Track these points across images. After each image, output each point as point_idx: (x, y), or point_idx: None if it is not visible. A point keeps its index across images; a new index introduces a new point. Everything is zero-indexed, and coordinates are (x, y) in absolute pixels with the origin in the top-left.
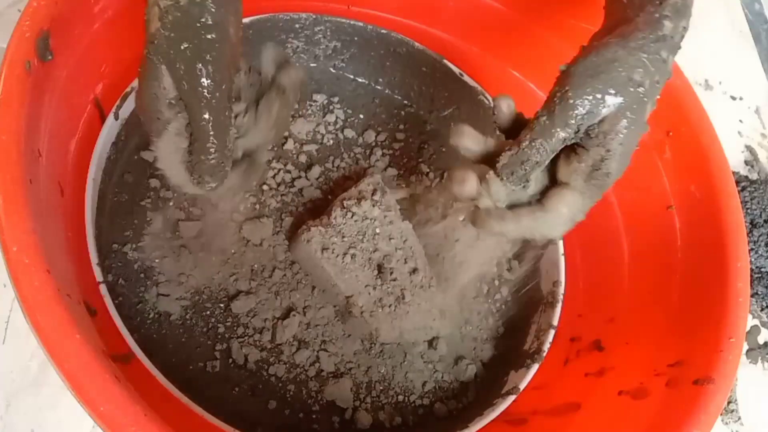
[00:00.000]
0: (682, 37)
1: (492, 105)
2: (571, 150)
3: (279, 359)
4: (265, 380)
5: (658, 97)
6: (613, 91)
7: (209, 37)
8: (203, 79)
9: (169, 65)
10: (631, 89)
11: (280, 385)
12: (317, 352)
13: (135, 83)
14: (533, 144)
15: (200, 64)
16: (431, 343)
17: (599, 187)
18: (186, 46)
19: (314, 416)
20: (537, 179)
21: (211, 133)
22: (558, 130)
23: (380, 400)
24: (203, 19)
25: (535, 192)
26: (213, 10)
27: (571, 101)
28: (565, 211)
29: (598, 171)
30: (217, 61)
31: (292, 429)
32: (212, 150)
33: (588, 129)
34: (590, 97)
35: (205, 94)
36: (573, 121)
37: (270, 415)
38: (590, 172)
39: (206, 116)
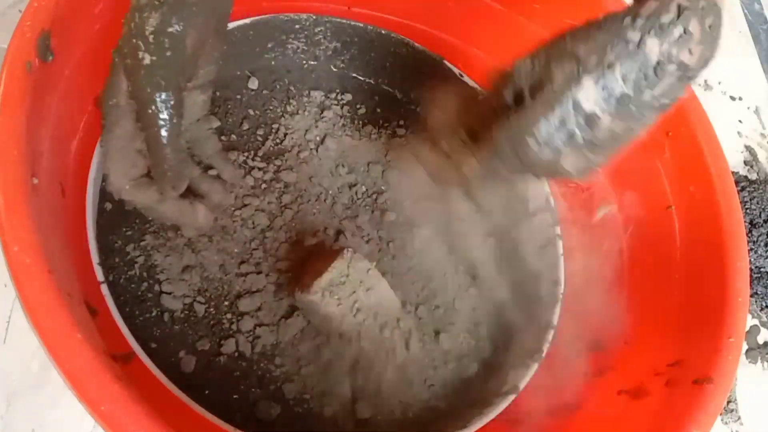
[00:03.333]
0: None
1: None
2: None
3: (282, 358)
4: (267, 379)
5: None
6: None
7: (164, 48)
8: (156, 94)
9: (125, 69)
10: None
11: (283, 384)
12: (320, 350)
13: None
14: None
15: (154, 78)
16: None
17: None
18: (142, 55)
19: (317, 413)
20: None
21: (164, 148)
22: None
23: (380, 397)
24: (162, 29)
25: None
26: (172, 21)
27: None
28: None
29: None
30: (168, 75)
31: (295, 426)
32: (167, 164)
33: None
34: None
35: (155, 108)
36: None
37: (271, 414)
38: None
39: (153, 131)
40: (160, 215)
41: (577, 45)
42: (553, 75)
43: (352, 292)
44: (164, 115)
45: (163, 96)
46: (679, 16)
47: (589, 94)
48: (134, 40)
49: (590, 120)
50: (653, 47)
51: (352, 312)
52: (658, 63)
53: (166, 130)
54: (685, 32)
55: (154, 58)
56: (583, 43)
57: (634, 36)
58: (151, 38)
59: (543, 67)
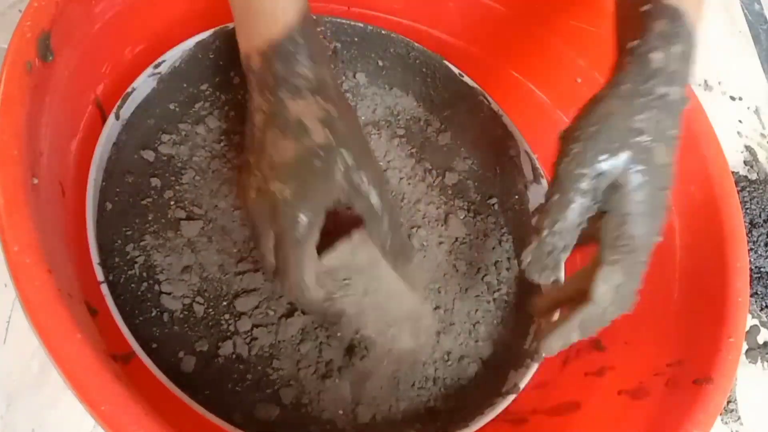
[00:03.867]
0: (685, 61)
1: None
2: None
3: (282, 358)
4: (267, 379)
5: (675, 134)
6: (617, 145)
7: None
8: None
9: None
10: (635, 139)
11: (283, 383)
12: (320, 349)
13: (136, 83)
14: (553, 230)
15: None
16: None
17: (630, 253)
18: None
19: (317, 413)
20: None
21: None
22: (571, 203)
23: (381, 397)
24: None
25: None
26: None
27: (576, 170)
28: (606, 289)
29: (621, 236)
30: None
31: (294, 427)
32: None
33: (607, 194)
34: (594, 159)
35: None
36: (584, 188)
37: (270, 415)
38: (614, 240)
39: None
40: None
41: None
42: None
43: (352, 277)
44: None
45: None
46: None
47: None
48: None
49: None
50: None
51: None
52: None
53: (382, 199)
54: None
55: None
56: None
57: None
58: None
59: None
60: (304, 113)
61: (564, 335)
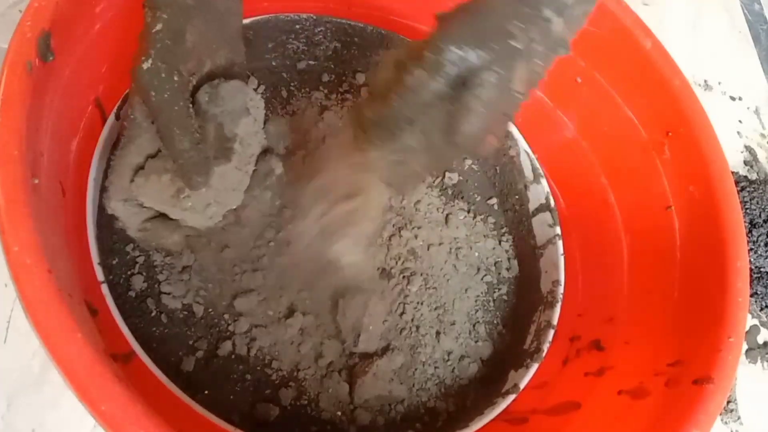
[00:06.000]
0: (580, 6)
1: None
2: None
3: (282, 358)
4: (267, 379)
5: (542, 65)
6: (482, 39)
7: (163, 42)
8: (156, 79)
9: (133, 75)
10: (504, 41)
11: (283, 383)
12: (320, 350)
13: None
14: (403, 98)
15: (153, 65)
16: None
17: (451, 142)
18: (144, 54)
19: (316, 414)
20: None
21: (176, 131)
22: (429, 80)
23: (380, 397)
24: (163, 29)
25: None
26: (165, 17)
27: (442, 51)
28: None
29: (451, 126)
30: (169, 62)
31: (293, 427)
32: (184, 145)
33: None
34: (460, 46)
35: (157, 93)
36: (443, 71)
37: (270, 416)
38: (445, 127)
39: (162, 116)
40: (138, 234)
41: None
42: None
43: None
44: (169, 98)
45: (164, 77)
46: None
47: None
48: (142, 45)
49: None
50: None
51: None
52: None
53: (175, 112)
54: None
55: (151, 51)
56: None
57: None
58: (155, 37)
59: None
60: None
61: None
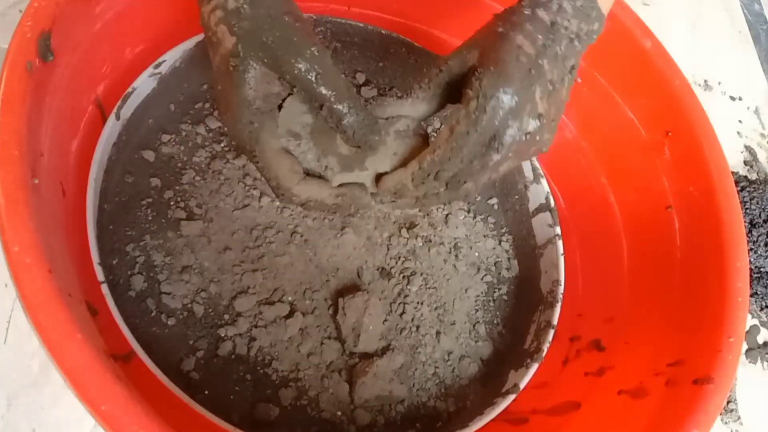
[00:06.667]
0: (581, 38)
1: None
2: None
3: (282, 358)
4: (267, 379)
5: (560, 90)
6: (523, 77)
7: (284, 21)
8: (303, 56)
9: (266, 63)
10: (542, 77)
11: (283, 383)
12: (320, 350)
13: (137, 84)
14: (455, 151)
15: (293, 47)
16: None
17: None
18: (271, 39)
19: (316, 414)
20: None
21: (341, 92)
22: (478, 138)
23: (380, 397)
24: (271, 11)
25: None
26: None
27: (490, 109)
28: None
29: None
30: (304, 36)
31: (293, 427)
32: (349, 106)
33: None
34: (501, 94)
35: (313, 67)
36: (493, 125)
37: (270, 416)
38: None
39: (326, 86)
40: (338, 200)
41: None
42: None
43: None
44: (329, 67)
45: (317, 50)
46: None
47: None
48: (257, 29)
49: None
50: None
51: None
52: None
53: (340, 79)
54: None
55: (288, 29)
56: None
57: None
58: (269, 20)
59: None
60: (211, 19)
61: (396, 177)
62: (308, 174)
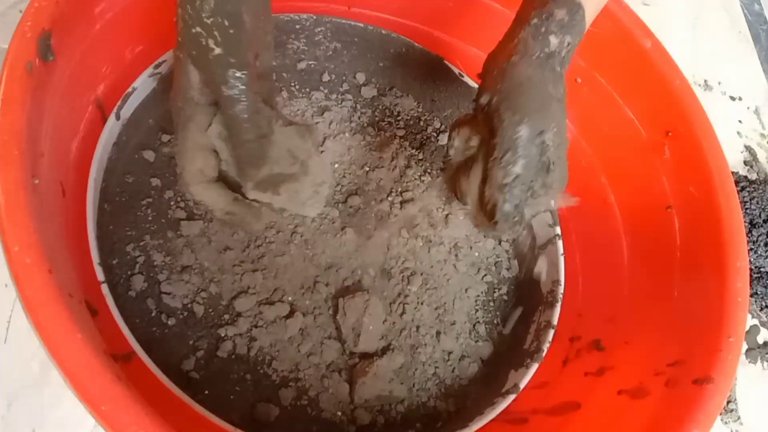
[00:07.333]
0: (570, 52)
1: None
2: None
3: (282, 358)
4: (267, 379)
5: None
6: (538, 106)
7: (226, 27)
8: (229, 72)
9: (193, 61)
10: (553, 101)
11: (283, 383)
12: (320, 350)
13: (136, 83)
14: (504, 189)
15: (223, 59)
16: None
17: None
18: (206, 41)
19: (316, 414)
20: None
21: (244, 123)
22: (519, 164)
23: (380, 397)
24: (218, 11)
25: None
26: (222, 3)
27: (518, 134)
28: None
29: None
30: (237, 52)
31: (293, 427)
32: (247, 137)
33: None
34: (526, 123)
35: (231, 88)
36: (532, 151)
37: (271, 414)
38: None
39: (233, 110)
40: (226, 217)
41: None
42: None
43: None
44: (240, 93)
45: (237, 74)
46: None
47: None
48: (194, 30)
49: None
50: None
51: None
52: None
53: (244, 106)
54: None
55: (219, 39)
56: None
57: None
58: (209, 22)
59: None
60: None
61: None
62: (225, 179)
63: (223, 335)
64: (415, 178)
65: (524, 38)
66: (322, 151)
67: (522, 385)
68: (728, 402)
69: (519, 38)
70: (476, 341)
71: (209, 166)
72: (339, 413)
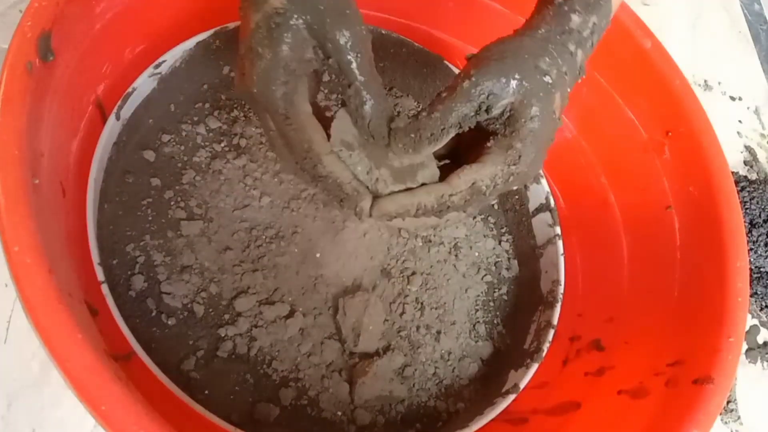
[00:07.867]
0: (594, 33)
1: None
2: (482, 140)
3: (282, 358)
4: (267, 379)
5: (569, 90)
6: (518, 76)
7: None
8: (353, 30)
9: (309, 26)
10: (537, 77)
11: (283, 383)
12: (320, 350)
13: (136, 83)
14: (432, 115)
15: (345, 18)
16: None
17: (511, 174)
18: (323, 5)
19: (316, 414)
20: (425, 173)
21: (372, 78)
22: (458, 105)
23: (380, 397)
24: None
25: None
26: None
27: (474, 79)
28: (463, 185)
29: (511, 157)
30: (356, 12)
31: (294, 427)
32: (374, 94)
33: (495, 116)
34: (494, 79)
35: (356, 44)
36: (475, 100)
37: (271, 414)
38: (504, 157)
39: (361, 68)
40: (340, 190)
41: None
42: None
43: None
44: (362, 44)
45: (363, 29)
46: None
47: None
48: None
49: None
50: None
51: None
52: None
53: (369, 61)
54: None
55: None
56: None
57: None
58: None
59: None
60: None
61: (401, 201)
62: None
63: (223, 335)
64: None
65: (541, 13)
66: None
67: (522, 385)
68: (728, 402)
69: (535, 17)
70: (476, 341)
71: (347, 132)
72: (339, 413)
